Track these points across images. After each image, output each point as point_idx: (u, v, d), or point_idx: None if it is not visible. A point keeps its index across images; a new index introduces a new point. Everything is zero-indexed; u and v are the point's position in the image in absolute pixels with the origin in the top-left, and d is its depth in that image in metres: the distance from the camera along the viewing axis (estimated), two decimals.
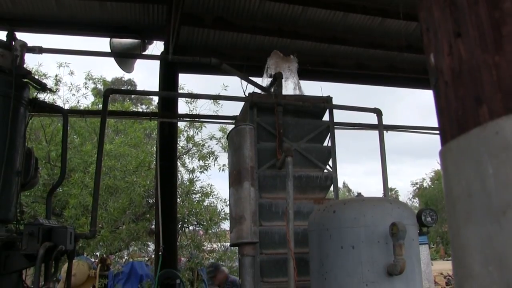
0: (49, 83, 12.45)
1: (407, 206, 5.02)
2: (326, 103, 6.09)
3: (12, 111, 4.43)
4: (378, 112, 6.61)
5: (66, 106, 11.64)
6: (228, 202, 4.51)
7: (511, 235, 0.46)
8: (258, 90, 6.20)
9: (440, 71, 0.65)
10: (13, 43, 4.84)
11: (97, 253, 13.04)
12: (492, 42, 0.56)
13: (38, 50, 6.08)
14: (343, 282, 4.25)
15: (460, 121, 0.58)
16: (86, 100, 13.50)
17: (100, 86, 14.05)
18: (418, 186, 30.99)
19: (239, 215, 3.80)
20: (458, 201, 0.57)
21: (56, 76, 12.66)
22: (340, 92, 6.49)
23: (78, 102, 13.03)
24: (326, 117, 6.20)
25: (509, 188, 0.48)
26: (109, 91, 6.16)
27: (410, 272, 4.18)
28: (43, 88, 5.34)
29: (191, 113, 10.23)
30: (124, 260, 13.13)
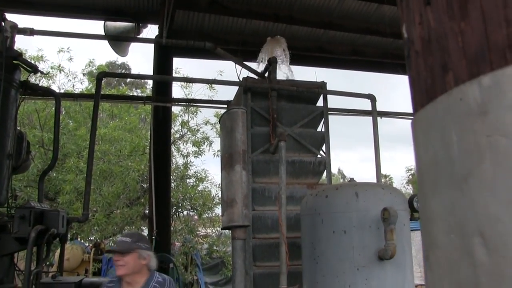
0: (48, 68, 12.36)
1: (399, 191, 5.04)
2: (320, 88, 6.07)
3: (2, 93, 4.39)
4: (372, 98, 6.61)
5: (62, 91, 11.54)
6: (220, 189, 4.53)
7: (472, 203, 0.46)
8: (252, 75, 6.17)
9: (412, 41, 0.64)
10: (3, 24, 4.78)
11: (91, 238, 13.05)
12: (458, 9, 0.55)
13: (30, 32, 6.00)
14: (334, 266, 4.28)
15: (429, 90, 0.57)
16: (82, 85, 13.39)
17: (95, 70, 13.95)
18: (411, 173, 31.14)
19: (230, 198, 3.81)
20: (425, 170, 0.56)
21: (59, 65, 12.55)
22: (335, 79, 6.49)
23: (73, 87, 12.95)
24: (320, 103, 6.19)
25: (472, 155, 0.47)
26: (102, 74, 6.11)
27: (400, 257, 4.21)
28: (35, 70, 5.28)
29: (186, 98, 10.19)
30: None
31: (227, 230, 12.12)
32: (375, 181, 6.51)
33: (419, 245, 13.61)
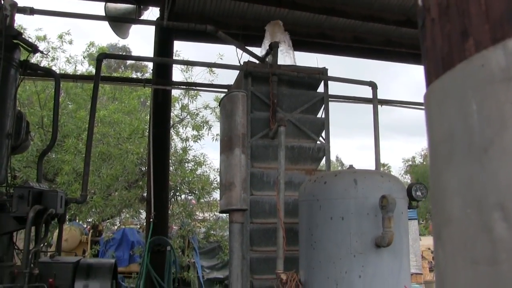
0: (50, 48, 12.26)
1: (398, 179, 5.04)
2: (321, 74, 6.03)
3: (1, 72, 4.35)
4: (373, 86, 6.57)
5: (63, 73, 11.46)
6: (219, 173, 4.52)
7: (492, 174, 0.44)
8: (253, 60, 6.12)
9: (427, 9, 0.62)
10: (2, 2, 4.71)
11: (89, 220, 13.11)
12: None
13: (30, 11, 5.93)
14: (331, 253, 4.30)
15: (446, 59, 0.55)
16: (82, 67, 13.29)
17: (95, 53, 13.84)
18: (410, 163, 31.20)
19: (229, 181, 3.80)
20: (439, 143, 0.54)
21: (60, 46, 12.45)
22: (336, 66, 6.43)
23: (75, 68, 12.87)
24: (320, 89, 6.16)
25: (492, 124, 0.45)
26: (102, 55, 6.06)
27: (397, 244, 4.23)
28: (35, 50, 5.23)
29: (186, 81, 10.13)
30: (116, 227, 13.25)
31: (225, 214, 12.20)
32: (373, 169, 6.51)
33: (415, 234, 13.68)
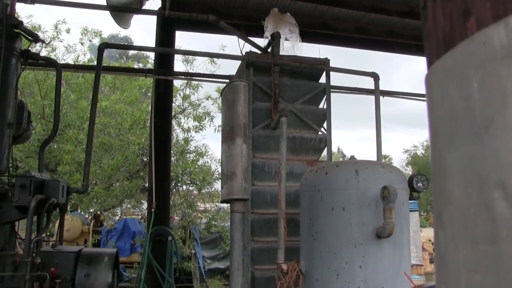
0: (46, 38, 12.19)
1: (399, 170, 5.04)
2: (323, 65, 6.01)
3: (2, 62, 4.34)
4: (375, 76, 6.54)
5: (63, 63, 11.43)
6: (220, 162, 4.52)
7: (493, 153, 0.44)
8: (255, 50, 6.09)
9: None
10: None
11: (91, 210, 13.16)
12: None
13: (30, 0, 5.91)
14: (332, 243, 4.31)
15: (447, 38, 0.54)
16: (85, 57, 13.24)
17: (96, 43, 13.77)
18: (411, 154, 31.15)
19: (230, 171, 3.80)
20: (440, 124, 0.54)
21: (56, 32, 12.38)
22: (337, 57, 6.41)
23: (77, 58, 12.83)
24: (322, 80, 6.14)
25: (493, 102, 0.45)
26: (104, 45, 6.04)
27: (398, 235, 4.24)
28: (36, 39, 5.22)
29: (187, 72, 10.10)
30: (118, 217, 13.30)
31: (226, 205, 12.24)
32: (375, 160, 6.51)
33: (416, 225, 13.70)
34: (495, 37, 0.46)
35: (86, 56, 13.45)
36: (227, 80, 7.16)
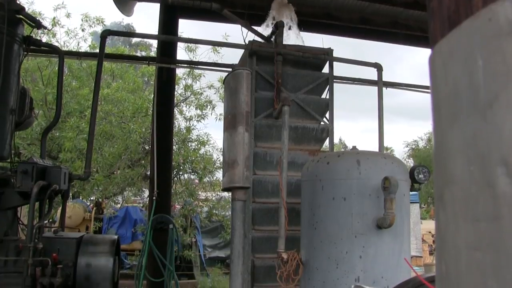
0: (46, 24, 12.12)
1: (401, 161, 5.04)
2: (326, 55, 5.98)
3: (4, 47, 4.33)
4: (378, 67, 6.52)
5: (65, 50, 11.38)
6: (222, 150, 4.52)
7: (496, 130, 0.44)
8: (258, 39, 6.06)
9: None
10: None
11: (92, 198, 13.22)
12: None
13: None
14: (332, 233, 4.33)
15: (452, 17, 0.53)
16: (86, 44, 13.19)
17: (98, 30, 13.71)
18: (413, 147, 31.13)
19: (232, 159, 3.81)
20: (444, 104, 0.54)
21: (54, 19, 12.32)
22: (340, 49, 6.37)
23: (78, 44, 12.78)
24: (325, 70, 6.12)
25: (498, 79, 0.44)
26: (107, 32, 6.01)
27: (399, 226, 4.25)
28: (38, 25, 5.20)
29: (190, 60, 10.05)
30: (119, 206, 13.37)
31: (227, 195, 12.28)
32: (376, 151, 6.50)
33: (417, 217, 13.72)
34: (501, 13, 0.45)
35: (86, 42, 13.40)
36: (230, 69, 7.13)
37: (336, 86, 6.06)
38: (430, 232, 17.75)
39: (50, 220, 7.98)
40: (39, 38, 8.22)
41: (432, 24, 0.59)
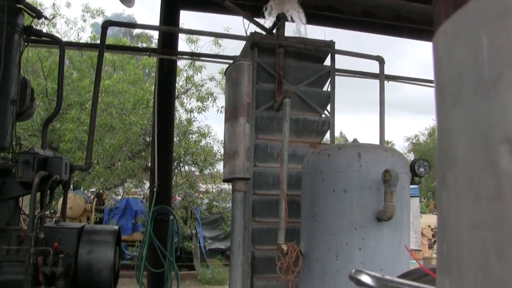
0: (47, 13, 12.07)
1: (402, 155, 5.04)
2: (328, 47, 5.96)
3: (5, 37, 4.32)
4: (380, 60, 6.50)
5: (65, 40, 11.34)
6: (223, 142, 4.52)
7: (500, 108, 0.44)
8: (260, 31, 6.05)
9: None
10: None
11: (92, 190, 13.26)
12: None
13: None
14: (332, 225, 4.34)
15: None
16: (84, 34, 13.18)
17: (99, 21, 13.66)
18: (413, 141, 31.14)
19: (233, 150, 3.81)
20: (447, 86, 0.54)
21: (53, 5, 12.29)
22: (342, 42, 6.34)
23: (78, 35, 12.76)
24: (327, 62, 6.10)
25: (502, 57, 0.45)
26: (108, 23, 6.00)
27: (398, 219, 4.26)
28: (38, 15, 5.19)
29: (191, 52, 10.03)
30: (120, 197, 13.41)
31: (228, 187, 12.29)
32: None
33: (417, 211, 13.78)
34: None
35: (85, 32, 13.37)
36: (231, 61, 7.12)
37: (337, 80, 6.04)
38: (429, 226, 17.82)
39: (52, 211, 8.02)
40: (39, 29, 8.20)
41: (437, 6, 0.59)
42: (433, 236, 17.38)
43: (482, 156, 0.46)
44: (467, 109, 0.48)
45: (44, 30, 10.02)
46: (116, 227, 4.90)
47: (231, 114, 3.88)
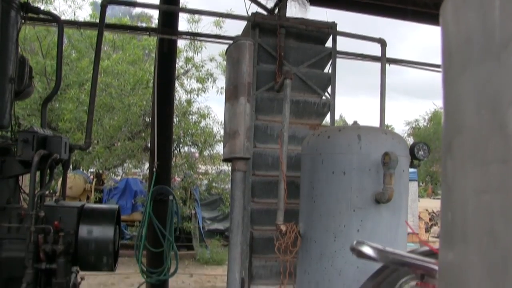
0: None
1: (401, 137, 5.04)
2: (330, 29, 5.91)
3: (1, 13, 4.26)
4: (382, 43, 6.44)
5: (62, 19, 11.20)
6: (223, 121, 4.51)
7: (509, 71, 0.43)
8: (261, 11, 5.99)
9: None
10: None
11: (91, 170, 13.30)
12: None
13: None
14: (331, 207, 4.36)
15: None
16: (83, 12, 13.07)
17: (98, 0, 13.48)
18: (413, 125, 31.15)
19: (233, 130, 3.80)
20: (455, 51, 0.53)
21: None
22: (343, 25, 6.28)
23: (74, 15, 12.61)
24: (329, 44, 6.06)
25: None
26: (107, 1, 5.92)
27: (397, 201, 4.28)
28: None
29: (192, 32, 9.94)
30: (119, 178, 13.46)
31: (227, 168, 12.31)
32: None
33: (415, 195, 13.84)
34: None
35: (82, 10, 13.23)
36: (232, 41, 7.06)
37: (338, 63, 6.00)
38: (426, 210, 17.98)
39: (51, 191, 8.05)
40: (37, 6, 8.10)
41: None
42: (430, 220, 17.54)
43: (490, 120, 0.45)
44: (476, 74, 0.48)
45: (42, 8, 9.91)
46: (116, 207, 4.91)
47: (232, 94, 3.86)
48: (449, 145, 0.52)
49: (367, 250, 1.17)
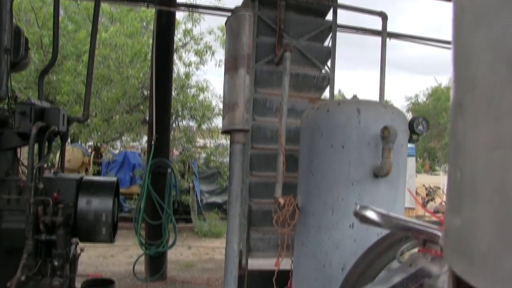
0: None
1: (401, 112, 5.02)
2: (331, 1, 5.82)
3: None
4: (383, 16, 6.34)
5: None
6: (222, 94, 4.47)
7: None
8: None
9: None
10: None
11: (90, 142, 13.28)
12: None
13: None
14: (330, 180, 4.38)
15: None
16: None
17: None
18: (413, 101, 31.09)
19: (232, 102, 3.77)
20: (468, 5, 0.51)
21: None
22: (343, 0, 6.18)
23: None
24: (329, 17, 5.98)
25: None
26: None
27: (395, 175, 4.29)
28: None
29: (190, 3, 9.77)
30: (117, 151, 13.47)
31: (225, 142, 12.31)
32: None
33: (412, 170, 13.93)
34: None
35: None
36: (231, 13, 6.95)
37: (339, 36, 5.92)
38: (424, 185, 18.16)
39: (50, 164, 8.05)
40: None
41: None
42: (427, 195, 17.72)
43: (505, 73, 0.44)
44: (491, 28, 0.46)
45: None
46: (115, 179, 4.92)
47: (231, 65, 3.82)
48: (460, 104, 0.51)
49: (370, 214, 1.17)
